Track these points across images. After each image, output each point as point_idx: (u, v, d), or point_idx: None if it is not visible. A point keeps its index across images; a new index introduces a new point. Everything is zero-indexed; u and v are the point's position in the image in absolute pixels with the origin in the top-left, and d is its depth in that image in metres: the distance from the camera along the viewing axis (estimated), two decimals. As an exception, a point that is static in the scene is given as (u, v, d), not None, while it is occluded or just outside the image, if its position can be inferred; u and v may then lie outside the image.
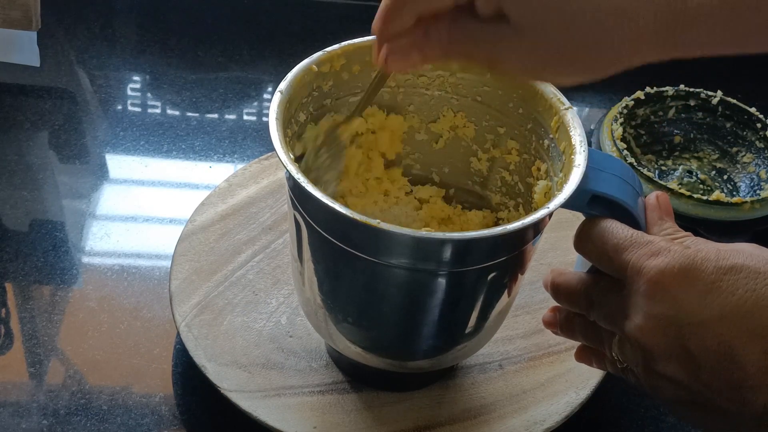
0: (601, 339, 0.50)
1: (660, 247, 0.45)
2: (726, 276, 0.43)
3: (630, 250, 0.46)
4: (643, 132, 0.83)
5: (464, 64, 0.57)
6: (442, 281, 0.50)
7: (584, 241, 0.49)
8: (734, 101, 0.83)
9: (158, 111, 0.84)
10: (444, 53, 0.48)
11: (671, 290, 0.43)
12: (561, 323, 0.53)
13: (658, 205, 0.50)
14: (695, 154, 0.83)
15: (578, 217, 0.50)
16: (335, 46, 0.56)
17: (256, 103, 0.86)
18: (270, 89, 0.88)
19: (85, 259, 0.70)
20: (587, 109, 0.92)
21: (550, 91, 0.54)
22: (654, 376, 0.45)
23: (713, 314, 0.42)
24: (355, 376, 0.60)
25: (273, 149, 0.49)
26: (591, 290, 0.49)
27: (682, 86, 0.84)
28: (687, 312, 0.43)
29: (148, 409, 0.60)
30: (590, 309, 0.49)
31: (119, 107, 0.84)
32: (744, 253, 0.44)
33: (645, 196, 0.51)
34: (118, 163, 0.78)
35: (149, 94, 0.86)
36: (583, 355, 0.53)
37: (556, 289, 0.51)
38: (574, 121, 0.53)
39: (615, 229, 0.47)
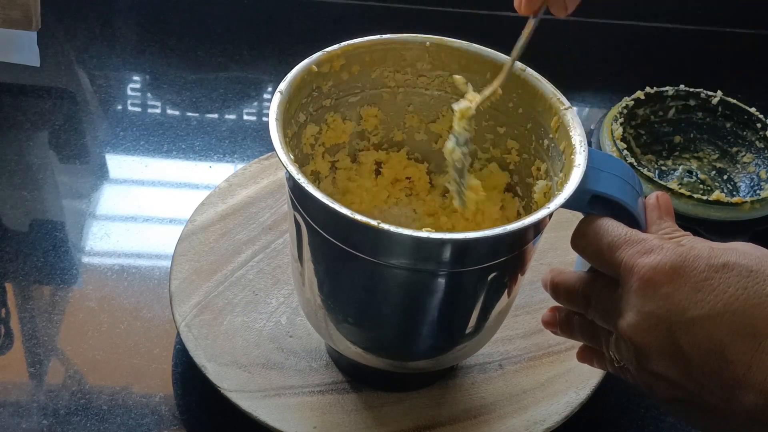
0: (599, 338, 0.50)
1: (653, 245, 0.45)
2: (717, 274, 0.43)
3: (623, 247, 0.46)
4: (643, 132, 0.83)
5: None
6: (442, 281, 0.50)
7: (580, 239, 0.49)
8: (734, 101, 0.83)
9: (158, 111, 0.84)
10: None
11: (662, 287, 0.43)
12: (560, 323, 0.53)
13: (658, 204, 0.50)
14: (695, 154, 0.83)
15: (578, 217, 0.50)
16: (335, 47, 0.56)
17: (256, 103, 0.86)
18: (270, 89, 0.88)
19: (85, 259, 0.70)
20: (587, 109, 0.92)
21: (550, 91, 0.54)
22: (647, 374, 0.45)
23: (704, 312, 0.42)
24: (355, 376, 0.60)
25: (273, 149, 0.49)
26: (589, 289, 0.49)
27: (682, 86, 0.84)
28: (678, 309, 0.43)
29: (148, 409, 0.60)
30: (588, 307, 0.49)
31: (119, 107, 0.84)
32: (737, 251, 0.44)
33: (645, 196, 0.51)
34: (118, 163, 0.78)
35: (149, 94, 0.86)
36: (584, 355, 0.53)
37: (555, 288, 0.51)
38: (574, 121, 0.52)
39: (610, 227, 0.47)
